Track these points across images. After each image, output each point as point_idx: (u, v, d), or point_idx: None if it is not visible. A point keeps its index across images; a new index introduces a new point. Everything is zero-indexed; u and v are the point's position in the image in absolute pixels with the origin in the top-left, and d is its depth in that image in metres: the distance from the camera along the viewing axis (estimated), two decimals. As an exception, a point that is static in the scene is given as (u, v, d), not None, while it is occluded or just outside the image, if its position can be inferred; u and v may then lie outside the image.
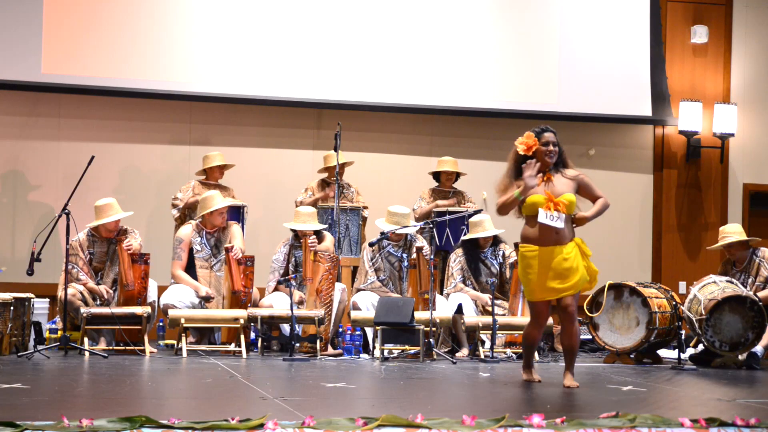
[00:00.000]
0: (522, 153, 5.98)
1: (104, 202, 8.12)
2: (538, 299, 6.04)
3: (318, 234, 8.48)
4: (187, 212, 9.17)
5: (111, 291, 8.08)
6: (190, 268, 8.40)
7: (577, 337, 6.08)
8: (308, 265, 8.18)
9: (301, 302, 8.19)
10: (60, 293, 7.90)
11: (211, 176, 9.29)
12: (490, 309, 8.02)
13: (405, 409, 4.67)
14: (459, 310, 8.37)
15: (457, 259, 8.60)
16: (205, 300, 8.16)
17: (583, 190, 6.11)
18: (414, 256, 8.38)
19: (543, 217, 5.86)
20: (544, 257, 5.93)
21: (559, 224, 5.89)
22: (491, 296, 8.00)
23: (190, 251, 8.41)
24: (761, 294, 7.99)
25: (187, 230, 8.45)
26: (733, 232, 8.35)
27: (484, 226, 8.58)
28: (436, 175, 9.77)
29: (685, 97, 11.04)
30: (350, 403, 5.15)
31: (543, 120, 10.77)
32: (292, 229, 8.60)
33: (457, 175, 9.70)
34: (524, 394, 5.76)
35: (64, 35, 9.71)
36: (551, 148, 6.02)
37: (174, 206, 9.23)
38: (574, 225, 6.08)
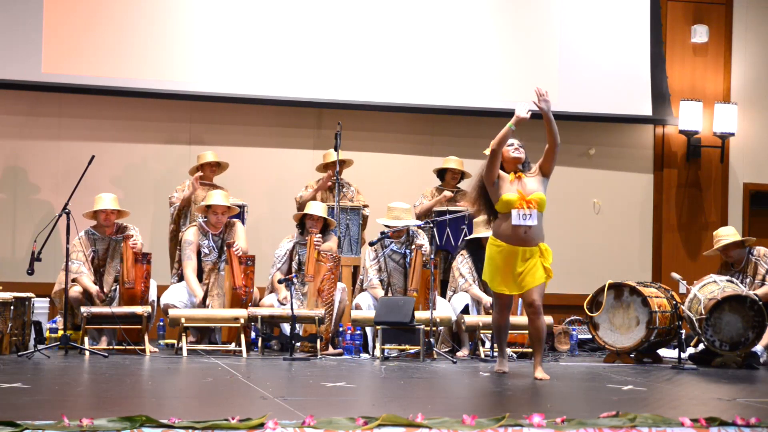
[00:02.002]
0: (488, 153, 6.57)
1: (104, 195, 8.18)
2: (495, 290, 6.59)
3: (323, 233, 8.48)
4: (183, 210, 9.15)
5: (103, 295, 8.05)
6: (198, 270, 8.39)
7: (543, 330, 6.57)
8: (312, 263, 8.17)
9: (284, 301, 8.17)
10: (60, 290, 7.91)
11: (205, 175, 9.26)
12: (490, 311, 8.04)
13: (405, 408, 4.68)
14: (465, 310, 8.37)
15: (464, 261, 8.57)
16: (202, 305, 8.15)
17: (542, 163, 6.60)
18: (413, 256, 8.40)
19: (517, 218, 6.40)
20: (507, 255, 6.46)
21: (532, 222, 6.40)
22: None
23: (197, 254, 8.40)
24: (759, 291, 8.00)
25: (194, 232, 8.44)
26: (726, 234, 8.36)
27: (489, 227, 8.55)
28: (441, 175, 9.75)
29: (686, 97, 11.04)
30: (350, 403, 5.15)
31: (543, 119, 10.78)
32: (298, 225, 8.60)
33: (462, 175, 9.69)
34: (525, 393, 5.76)
35: (64, 35, 9.71)
36: (515, 146, 6.58)
37: (171, 204, 9.22)
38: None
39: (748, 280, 8.18)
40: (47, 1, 9.67)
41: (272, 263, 8.67)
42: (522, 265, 6.42)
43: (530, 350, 8.13)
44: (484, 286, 8.48)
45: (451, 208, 9.28)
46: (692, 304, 7.82)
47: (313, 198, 9.13)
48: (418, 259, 8.34)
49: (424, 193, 9.64)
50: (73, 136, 9.98)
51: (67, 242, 7.76)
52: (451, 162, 9.64)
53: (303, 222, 8.59)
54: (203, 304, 8.13)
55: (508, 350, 8.16)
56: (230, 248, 8.15)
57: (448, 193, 9.43)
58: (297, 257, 8.57)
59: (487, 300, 8.27)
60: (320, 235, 8.36)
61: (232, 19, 10.06)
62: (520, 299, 8.32)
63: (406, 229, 8.60)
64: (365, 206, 9.33)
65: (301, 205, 9.05)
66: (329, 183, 9.12)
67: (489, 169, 6.49)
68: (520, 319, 8.08)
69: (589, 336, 8.46)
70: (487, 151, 6.58)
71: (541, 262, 6.45)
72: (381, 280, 8.53)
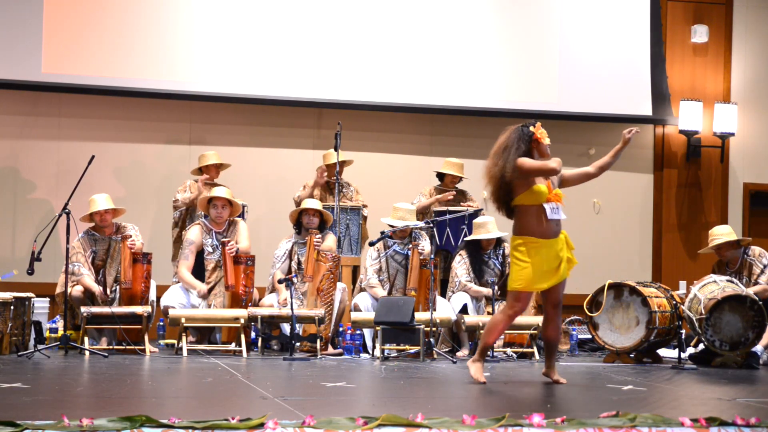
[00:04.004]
0: (538, 137, 6.06)
1: (96, 196, 8.19)
2: (532, 289, 6.09)
3: (320, 230, 8.49)
4: (186, 214, 9.16)
5: (109, 294, 8.06)
6: (200, 269, 8.38)
7: (561, 329, 6.31)
8: (310, 263, 8.17)
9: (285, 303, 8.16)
10: (61, 292, 7.90)
11: (207, 175, 9.27)
12: (490, 306, 8.04)
13: (405, 408, 4.67)
14: (464, 310, 8.37)
15: (462, 261, 8.58)
16: (204, 297, 8.15)
17: (571, 175, 6.29)
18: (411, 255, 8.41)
19: (550, 212, 5.97)
20: (544, 250, 5.99)
21: (561, 215, 6.03)
22: (492, 292, 8.02)
23: (200, 252, 8.40)
24: (754, 290, 7.99)
25: (197, 231, 8.44)
26: (721, 233, 8.36)
27: (488, 228, 8.56)
28: (440, 174, 9.75)
29: (686, 97, 11.04)
30: (350, 403, 5.15)
31: (543, 120, 10.79)
32: (295, 226, 8.62)
33: (461, 178, 9.68)
34: (525, 393, 5.76)
35: (64, 35, 9.71)
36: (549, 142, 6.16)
37: (175, 208, 9.22)
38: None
39: (744, 280, 8.18)
40: (47, 1, 9.67)
41: (272, 263, 8.67)
42: (557, 258, 6.01)
43: (530, 350, 8.13)
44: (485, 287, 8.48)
45: (451, 208, 9.28)
46: (692, 304, 7.82)
47: (310, 196, 9.14)
48: (416, 259, 8.35)
49: (423, 192, 9.65)
50: (73, 136, 9.98)
51: (67, 242, 7.76)
52: (452, 167, 9.61)
53: (299, 221, 8.61)
54: (207, 295, 8.13)
55: (508, 350, 8.19)
56: (224, 246, 8.15)
57: (449, 195, 9.42)
58: (296, 257, 8.57)
59: (488, 291, 8.23)
60: (320, 235, 8.37)
61: (232, 19, 10.06)
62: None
63: (408, 230, 8.60)
64: (364, 206, 9.34)
65: (298, 205, 9.05)
66: (324, 180, 9.15)
67: (523, 176, 5.99)
68: (520, 319, 8.06)
69: (589, 336, 8.46)
70: (592, 152, 6.19)
71: (567, 254, 6.08)
72: (381, 281, 8.52)
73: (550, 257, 5.99)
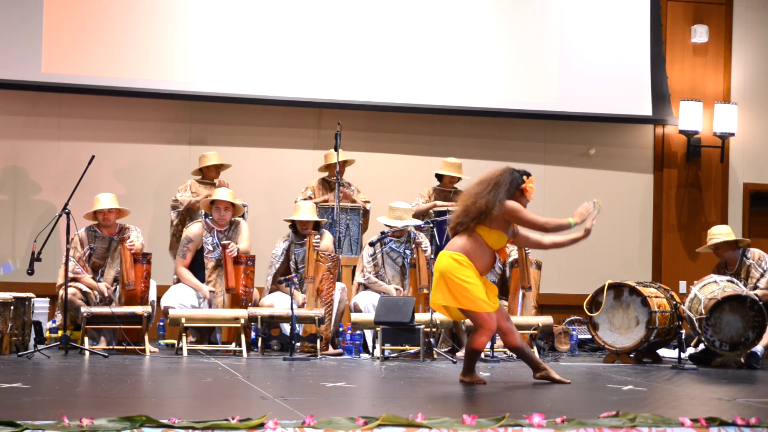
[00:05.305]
0: (526, 190, 6.11)
1: (102, 195, 8.21)
2: (491, 310, 5.98)
3: (316, 230, 8.50)
4: (186, 214, 9.17)
5: (111, 287, 8.08)
6: (200, 268, 8.38)
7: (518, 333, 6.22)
8: (311, 264, 8.18)
9: (302, 305, 8.16)
10: (60, 292, 7.91)
11: (207, 175, 9.30)
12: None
13: (405, 408, 4.68)
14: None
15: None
16: (210, 299, 8.17)
17: (521, 237, 6.34)
18: (415, 254, 8.40)
19: (496, 266, 6.12)
20: (476, 275, 6.02)
21: (495, 269, 6.02)
22: None
23: (200, 251, 8.40)
24: (758, 293, 7.98)
25: (197, 229, 8.44)
26: (720, 233, 8.36)
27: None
28: (439, 175, 9.75)
29: (686, 97, 11.04)
30: (350, 403, 5.15)
31: (543, 119, 10.82)
32: (291, 227, 8.63)
33: (460, 178, 9.69)
34: (525, 393, 5.76)
35: (64, 35, 9.71)
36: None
37: (174, 208, 9.22)
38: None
39: (742, 283, 8.16)
40: (47, 1, 9.67)
41: (270, 263, 8.67)
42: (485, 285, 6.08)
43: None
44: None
45: (451, 208, 9.26)
46: (692, 304, 7.82)
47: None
48: (422, 257, 8.33)
49: (422, 194, 9.65)
50: (73, 136, 9.98)
51: (67, 242, 7.77)
52: (449, 168, 9.61)
53: (295, 223, 8.61)
54: (212, 297, 8.14)
55: (508, 350, 8.18)
56: (224, 249, 8.15)
57: (439, 202, 9.45)
58: (293, 257, 8.58)
59: None
60: (318, 235, 8.36)
61: (232, 19, 10.06)
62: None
63: (406, 229, 8.61)
64: (366, 202, 9.37)
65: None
66: (331, 198, 9.16)
67: (510, 219, 6.05)
68: (520, 319, 8.09)
69: (589, 336, 8.46)
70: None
71: None
72: (378, 276, 8.53)
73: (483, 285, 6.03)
